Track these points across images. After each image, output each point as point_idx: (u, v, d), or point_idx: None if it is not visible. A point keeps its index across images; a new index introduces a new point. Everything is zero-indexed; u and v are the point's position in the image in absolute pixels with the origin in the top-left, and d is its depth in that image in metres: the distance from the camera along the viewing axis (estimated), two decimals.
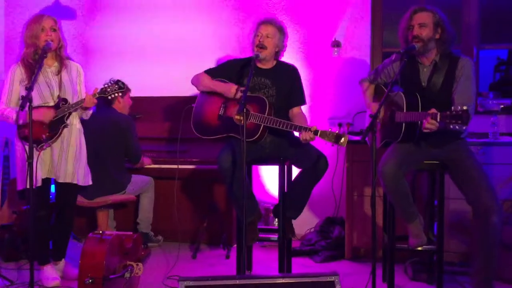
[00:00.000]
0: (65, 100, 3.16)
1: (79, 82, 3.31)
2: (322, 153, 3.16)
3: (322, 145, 3.36)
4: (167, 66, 4.74)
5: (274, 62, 3.38)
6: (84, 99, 3.14)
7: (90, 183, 3.37)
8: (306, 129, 2.95)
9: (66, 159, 3.21)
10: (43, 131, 3.10)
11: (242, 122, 2.76)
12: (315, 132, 2.92)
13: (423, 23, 2.93)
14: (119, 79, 3.76)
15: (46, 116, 3.10)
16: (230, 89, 3.25)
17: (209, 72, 3.43)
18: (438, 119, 2.63)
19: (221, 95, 3.31)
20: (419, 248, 3.05)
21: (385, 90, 3.19)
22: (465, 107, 2.54)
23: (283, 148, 3.26)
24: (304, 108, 3.42)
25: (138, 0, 4.82)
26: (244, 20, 4.56)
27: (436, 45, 2.97)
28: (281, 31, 3.32)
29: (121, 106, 4.07)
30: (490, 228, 2.77)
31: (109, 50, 4.89)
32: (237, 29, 4.60)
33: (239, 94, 3.20)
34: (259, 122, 3.10)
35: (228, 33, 4.64)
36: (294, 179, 3.33)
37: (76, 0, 4.94)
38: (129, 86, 3.99)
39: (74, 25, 4.91)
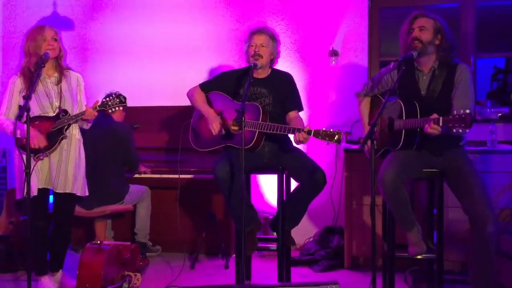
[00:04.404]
0: (65, 111, 3.17)
1: (79, 92, 3.32)
2: (320, 167, 3.12)
3: (320, 157, 3.36)
4: (165, 76, 4.76)
5: (269, 71, 3.38)
6: (85, 111, 3.14)
7: (87, 194, 3.35)
8: (300, 130, 2.94)
9: (66, 170, 3.20)
10: (35, 147, 3.08)
11: (239, 131, 2.75)
12: (308, 132, 2.90)
13: (424, 26, 2.96)
14: (119, 91, 3.78)
15: (38, 142, 3.07)
16: (215, 122, 3.22)
17: (203, 86, 3.44)
18: (441, 123, 2.63)
19: (216, 107, 3.34)
20: (419, 257, 3.04)
21: (382, 101, 3.20)
22: (467, 111, 2.54)
23: (282, 158, 3.25)
24: (302, 116, 3.42)
25: (136, 11, 4.85)
26: (242, 31, 4.57)
27: (436, 50, 2.98)
28: (274, 38, 3.33)
29: (119, 115, 4.07)
30: (486, 237, 2.77)
31: (107, 59, 4.91)
32: (235, 40, 4.62)
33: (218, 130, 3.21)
34: (253, 128, 3.10)
35: (227, 42, 4.66)
36: (292, 192, 3.29)
37: (74, 11, 4.96)
38: (127, 96, 3.98)
39: (72, 35, 4.92)
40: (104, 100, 3.21)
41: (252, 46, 3.27)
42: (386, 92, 3.17)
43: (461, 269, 3.59)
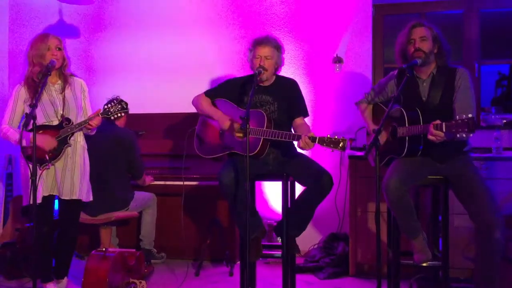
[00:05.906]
0: (68, 120, 3.18)
1: (84, 98, 3.33)
2: (326, 170, 3.12)
3: (324, 163, 3.36)
4: (170, 82, 4.78)
5: (274, 78, 3.39)
6: (87, 120, 3.16)
7: (91, 199, 3.36)
8: (304, 137, 2.94)
9: (71, 176, 3.21)
10: (46, 151, 3.11)
11: (243, 138, 2.76)
12: (313, 139, 2.90)
13: (424, 37, 2.99)
14: (121, 97, 3.79)
15: (48, 145, 3.10)
16: (225, 121, 3.25)
17: (209, 93, 3.45)
18: (444, 129, 2.64)
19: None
20: (424, 264, 3.03)
21: (383, 108, 3.22)
22: (470, 115, 2.56)
23: (287, 164, 3.25)
24: (307, 122, 3.42)
25: (141, 18, 4.88)
26: (246, 37, 4.59)
27: (435, 58, 3.03)
28: (278, 48, 3.32)
29: (122, 119, 4.07)
30: (493, 244, 2.76)
31: (112, 67, 4.93)
32: (239, 46, 4.64)
33: (236, 125, 3.22)
34: (258, 135, 3.11)
35: (231, 50, 4.68)
36: (297, 197, 3.29)
37: (80, 19, 5.00)
38: (132, 103, 4.00)
39: (78, 43, 4.96)
40: (106, 106, 3.22)
41: (257, 58, 3.26)
42: (388, 100, 3.18)
43: (467, 276, 3.57)
